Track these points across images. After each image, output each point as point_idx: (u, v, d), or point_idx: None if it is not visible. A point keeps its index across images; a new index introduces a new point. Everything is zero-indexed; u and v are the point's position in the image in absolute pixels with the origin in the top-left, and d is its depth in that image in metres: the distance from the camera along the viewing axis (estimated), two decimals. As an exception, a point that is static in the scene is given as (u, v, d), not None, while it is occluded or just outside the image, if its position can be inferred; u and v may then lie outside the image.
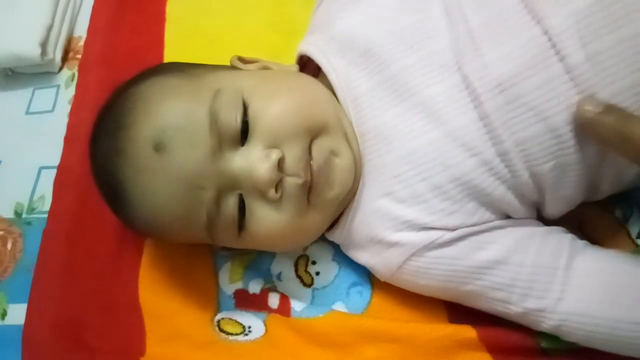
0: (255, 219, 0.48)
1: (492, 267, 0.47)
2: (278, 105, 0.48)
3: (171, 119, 0.47)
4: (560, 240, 0.47)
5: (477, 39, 0.45)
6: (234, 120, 0.47)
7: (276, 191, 0.47)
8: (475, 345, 0.48)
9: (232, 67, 0.57)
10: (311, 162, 0.48)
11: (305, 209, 0.49)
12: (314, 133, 0.48)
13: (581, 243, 0.48)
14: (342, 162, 0.49)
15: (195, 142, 0.46)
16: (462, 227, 0.47)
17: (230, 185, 0.48)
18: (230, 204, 0.48)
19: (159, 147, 0.46)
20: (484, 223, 0.47)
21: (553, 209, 0.49)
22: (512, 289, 0.46)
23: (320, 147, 0.48)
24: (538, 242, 0.47)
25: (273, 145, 0.47)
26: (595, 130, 0.42)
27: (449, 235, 0.47)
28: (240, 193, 0.48)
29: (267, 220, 0.48)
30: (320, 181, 0.48)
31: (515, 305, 0.46)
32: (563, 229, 0.49)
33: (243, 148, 0.48)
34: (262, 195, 0.47)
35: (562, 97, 0.43)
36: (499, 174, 0.46)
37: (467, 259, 0.47)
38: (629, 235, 0.53)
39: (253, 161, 0.46)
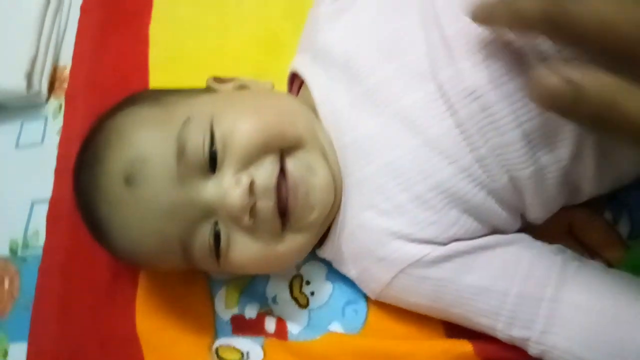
0: (232, 246, 0.49)
1: (477, 292, 0.46)
2: (244, 126, 0.48)
3: (139, 151, 0.47)
4: (550, 266, 0.46)
5: (451, 47, 0.45)
6: (201, 148, 0.47)
7: (250, 217, 0.46)
8: (471, 359, 0.48)
9: (209, 90, 0.57)
10: (287, 178, 0.48)
11: (280, 233, 0.49)
12: (285, 149, 0.48)
13: (573, 267, 0.46)
14: (320, 181, 0.49)
15: (162, 173, 0.46)
16: (450, 242, 0.47)
17: (204, 213, 0.48)
18: (206, 232, 0.48)
19: (129, 181, 0.47)
20: (469, 238, 0.47)
21: (536, 213, 0.48)
22: (497, 317, 0.46)
23: (295, 161, 0.48)
24: (525, 268, 0.46)
25: (243, 168, 0.47)
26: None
27: (435, 253, 0.47)
28: (216, 221, 0.48)
29: (244, 247, 0.48)
30: (297, 203, 0.48)
31: (500, 332, 0.46)
32: (556, 248, 0.48)
33: (215, 175, 0.48)
34: (237, 222, 0.47)
35: (533, 104, 0.42)
36: (478, 180, 0.45)
37: (453, 281, 0.47)
38: (619, 237, 0.52)
39: (225, 189, 0.46)
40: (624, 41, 0.31)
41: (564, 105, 0.33)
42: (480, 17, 0.38)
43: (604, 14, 0.31)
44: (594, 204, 0.52)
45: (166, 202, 0.47)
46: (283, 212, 0.48)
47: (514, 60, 0.43)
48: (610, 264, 0.51)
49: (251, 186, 0.46)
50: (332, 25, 0.54)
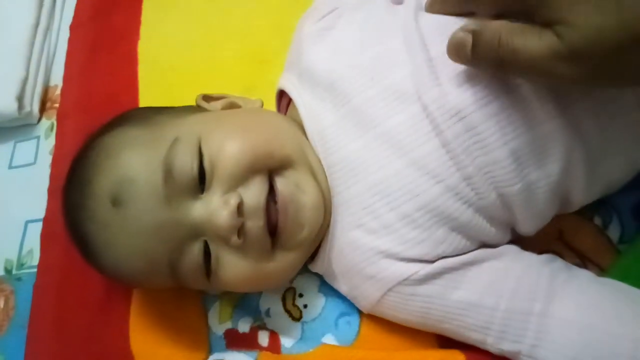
0: (221, 265, 0.49)
1: (466, 308, 0.46)
2: (232, 147, 0.48)
3: (126, 172, 0.47)
4: (538, 278, 0.46)
5: (435, 68, 0.45)
6: (189, 169, 0.47)
7: (239, 237, 0.47)
8: (464, 370, 0.48)
9: (198, 108, 0.58)
10: (276, 197, 0.48)
11: (270, 252, 0.49)
12: (274, 168, 0.48)
13: (561, 279, 0.46)
14: (310, 200, 0.49)
15: (148, 194, 0.46)
16: (438, 259, 0.47)
17: (192, 233, 0.48)
18: (195, 252, 0.48)
19: (115, 202, 0.47)
20: (458, 254, 0.47)
21: (526, 226, 0.48)
22: (487, 331, 0.46)
23: (284, 180, 0.48)
24: (513, 283, 0.46)
25: (231, 188, 0.47)
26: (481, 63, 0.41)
27: (424, 271, 0.47)
28: (205, 240, 0.48)
29: (234, 266, 0.48)
30: (287, 222, 0.48)
31: (491, 346, 0.46)
32: (545, 259, 0.48)
33: (203, 195, 0.48)
34: (226, 242, 0.47)
35: (519, 122, 0.43)
36: (465, 198, 0.46)
37: (441, 298, 0.47)
38: (609, 241, 0.52)
39: (213, 209, 0.46)
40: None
41: (467, 53, 0.40)
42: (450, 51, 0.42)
43: None
44: (584, 210, 0.52)
45: (153, 223, 0.47)
46: (273, 230, 0.48)
47: (498, 79, 0.43)
48: (601, 269, 0.51)
49: (240, 206, 0.46)
50: (317, 45, 0.54)
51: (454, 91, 0.44)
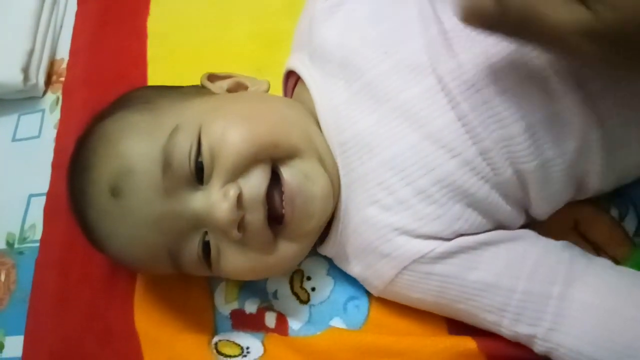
0: (222, 257, 0.48)
1: (483, 289, 0.46)
2: (233, 137, 0.46)
3: (124, 163, 0.46)
4: (557, 263, 0.45)
5: (450, 40, 0.45)
6: (187, 159, 0.46)
7: (239, 230, 0.45)
8: (475, 356, 0.48)
9: (202, 89, 0.56)
10: (283, 187, 0.47)
11: (273, 243, 0.48)
12: (279, 158, 0.47)
13: (581, 265, 0.45)
14: (319, 190, 0.48)
15: (146, 186, 0.46)
16: (455, 237, 0.46)
17: (192, 225, 0.47)
18: (195, 243, 0.48)
19: (114, 192, 0.46)
20: (474, 233, 0.47)
21: (540, 208, 0.48)
22: (503, 313, 0.45)
23: (292, 170, 0.47)
24: (532, 265, 0.45)
25: (231, 179, 0.46)
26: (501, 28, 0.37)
27: (441, 248, 0.46)
28: (205, 231, 0.47)
29: (234, 259, 0.48)
30: (294, 214, 0.47)
31: (506, 329, 0.46)
32: (564, 244, 0.47)
33: (203, 187, 0.47)
34: (226, 235, 0.46)
35: (535, 97, 0.43)
36: (482, 173, 0.45)
37: (458, 277, 0.47)
38: (625, 233, 0.52)
39: (212, 202, 0.45)
40: None
41: (489, 13, 0.35)
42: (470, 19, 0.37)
43: None
44: (600, 201, 0.51)
45: (152, 214, 0.46)
46: (279, 220, 0.47)
47: (517, 50, 0.42)
48: (616, 261, 0.50)
49: (239, 198, 0.45)
50: (328, 22, 0.53)
51: (469, 63, 0.44)
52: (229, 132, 0.46)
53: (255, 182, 0.46)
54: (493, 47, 0.43)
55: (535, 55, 0.42)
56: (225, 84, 0.57)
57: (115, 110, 0.51)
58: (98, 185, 0.47)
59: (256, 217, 0.46)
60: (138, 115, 0.49)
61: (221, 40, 0.76)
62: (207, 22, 0.78)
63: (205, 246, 0.48)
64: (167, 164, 0.45)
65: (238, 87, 0.57)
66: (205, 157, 0.46)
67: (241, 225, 0.46)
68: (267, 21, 0.75)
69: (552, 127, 0.43)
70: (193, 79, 0.59)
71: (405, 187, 0.47)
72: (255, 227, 0.46)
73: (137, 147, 0.47)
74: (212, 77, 0.57)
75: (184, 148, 0.46)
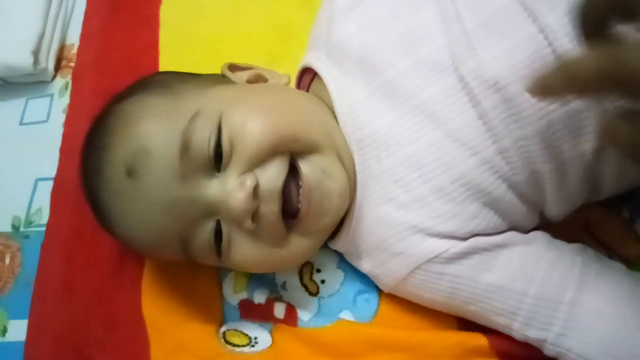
0: (233, 247, 0.48)
1: (495, 291, 0.46)
2: (253, 127, 0.46)
3: (142, 143, 0.46)
4: (570, 267, 0.45)
5: (472, 38, 0.45)
6: (206, 145, 0.46)
7: (252, 221, 0.45)
8: (486, 353, 0.48)
9: (223, 78, 0.56)
10: (300, 182, 0.46)
11: (285, 237, 0.48)
12: (298, 152, 0.47)
13: (593, 270, 0.45)
14: (336, 186, 0.47)
15: (164, 168, 0.45)
16: (471, 237, 0.46)
17: (206, 212, 0.47)
18: (207, 230, 0.47)
19: (130, 173, 0.46)
20: (489, 233, 0.47)
21: (554, 209, 0.48)
22: (514, 317, 0.45)
23: (310, 165, 0.47)
24: (544, 269, 0.45)
25: (249, 169, 0.46)
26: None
27: (455, 249, 0.46)
28: (218, 219, 0.47)
29: (245, 250, 0.48)
30: (310, 209, 0.46)
31: (516, 332, 0.46)
32: (577, 248, 0.47)
33: (220, 174, 0.46)
34: (239, 225, 0.46)
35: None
36: (500, 172, 0.45)
37: (470, 279, 0.47)
38: (636, 235, 0.52)
39: (228, 190, 0.45)
40: None
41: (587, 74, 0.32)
42: (538, 90, 0.35)
43: None
44: (611, 202, 0.52)
45: (166, 198, 0.46)
46: (293, 214, 0.47)
47: (537, 51, 0.43)
48: (626, 262, 0.50)
49: (255, 189, 0.45)
50: (347, 20, 0.53)
51: (491, 62, 0.44)
52: (250, 122, 0.46)
53: (273, 174, 0.46)
54: (515, 46, 0.43)
55: (553, 58, 0.42)
56: (245, 75, 0.56)
57: (135, 92, 0.51)
58: (114, 165, 0.47)
59: (271, 209, 0.45)
60: (158, 98, 0.49)
61: (234, 30, 0.76)
62: (220, 11, 0.78)
63: (217, 234, 0.47)
64: (185, 148, 0.45)
65: (258, 79, 0.57)
66: (225, 145, 0.46)
67: (255, 216, 0.45)
68: (281, 12, 0.75)
69: (570, 127, 0.43)
70: (205, 67, 0.59)
71: (423, 184, 0.47)
72: (269, 219, 0.46)
73: (156, 129, 0.46)
74: (232, 67, 0.57)
75: (203, 134, 0.46)
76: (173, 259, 0.52)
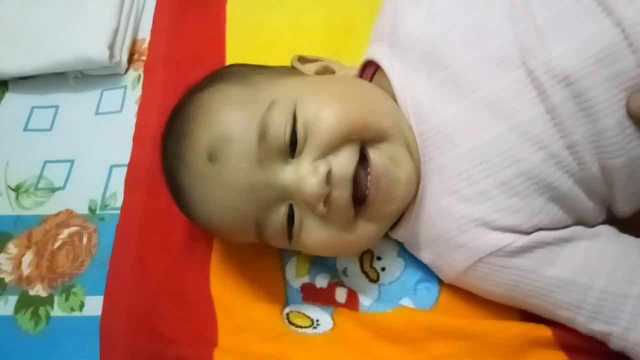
0: (304, 230, 0.50)
1: (559, 285, 0.46)
2: (327, 115, 0.48)
3: (223, 130, 0.48)
4: (637, 263, 0.45)
5: (543, 33, 0.45)
6: (282, 133, 0.47)
7: (324, 205, 0.47)
8: (550, 345, 0.48)
9: (293, 70, 0.58)
10: (369, 169, 0.48)
11: (353, 222, 0.49)
12: (368, 140, 0.48)
13: None
14: (404, 174, 0.49)
15: (242, 154, 0.47)
16: (535, 231, 0.47)
17: (280, 196, 0.49)
18: (280, 213, 0.49)
19: (212, 157, 0.48)
20: (554, 227, 0.47)
21: (624, 206, 0.47)
22: (579, 310, 0.45)
23: (379, 153, 0.48)
24: (610, 264, 0.45)
25: (322, 156, 0.47)
26: None
27: (518, 242, 0.47)
28: (291, 204, 0.49)
29: (315, 233, 0.49)
30: (378, 195, 0.48)
31: (580, 325, 0.46)
32: None
33: (294, 160, 0.48)
34: (311, 209, 0.48)
35: (630, 90, 0.42)
36: (567, 167, 0.45)
37: (534, 272, 0.47)
38: None
39: (302, 175, 0.47)
40: None
41: None
42: None
43: None
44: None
45: (245, 182, 0.48)
46: (362, 201, 0.48)
47: (611, 45, 0.42)
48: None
49: (328, 175, 0.46)
50: (412, 12, 0.54)
51: (562, 56, 0.44)
52: (324, 111, 0.48)
53: (345, 161, 0.47)
54: (588, 41, 0.43)
55: (629, 52, 0.42)
56: (314, 66, 0.58)
57: (213, 82, 0.53)
58: (196, 150, 0.49)
59: (342, 194, 0.47)
60: (236, 88, 0.51)
61: (298, 25, 0.78)
62: (284, 6, 0.80)
63: (290, 218, 0.49)
64: (262, 135, 0.47)
65: (325, 71, 0.59)
66: (300, 132, 0.48)
67: (326, 201, 0.47)
68: (343, 6, 0.77)
69: None
70: (270, 61, 0.61)
71: (487, 178, 0.47)
72: (341, 204, 0.47)
73: (236, 116, 0.49)
74: (302, 59, 0.59)
75: (279, 121, 0.48)
76: (246, 240, 0.54)
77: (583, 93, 0.43)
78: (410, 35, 0.53)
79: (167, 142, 0.54)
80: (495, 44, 0.47)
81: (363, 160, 0.48)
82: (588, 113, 0.43)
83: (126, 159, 0.72)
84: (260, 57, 0.65)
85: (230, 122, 0.49)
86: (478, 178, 0.47)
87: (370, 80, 0.59)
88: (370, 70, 0.59)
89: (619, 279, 0.45)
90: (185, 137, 0.51)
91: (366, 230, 0.50)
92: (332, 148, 0.47)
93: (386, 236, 0.57)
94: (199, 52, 0.80)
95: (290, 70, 0.58)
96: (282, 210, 0.49)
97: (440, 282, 0.55)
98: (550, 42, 0.44)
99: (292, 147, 0.48)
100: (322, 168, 0.46)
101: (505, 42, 0.46)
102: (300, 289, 0.59)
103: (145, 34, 0.86)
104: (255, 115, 0.48)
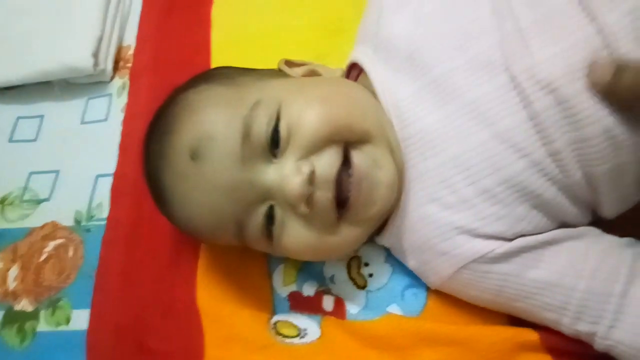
0: (285, 231, 0.49)
1: (543, 287, 0.45)
2: (311, 115, 0.47)
3: (207, 129, 0.48)
4: (619, 261, 0.44)
5: (526, 37, 0.44)
6: (265, 132, 0.47)
7: (306, 206, 0.46)
8: (537, 348, 0.47)
9: (279, 72, 0.58)
10: (351, 171, 0.47)
11: (335, 225, 0.48)
12: (351, 141, 0.48)
13: None
14: (385, 177, 0.48)
15: (226, 153, 0.47)
16: (517, 237, 0.46)
17: (262, 196, 0.48)
18: (261, 214, 0.48)
19: (194, 156, 0.47)
20: (537, 233, 0.46)
21: (609, 209, 0.47)
22: (564, 311, 0.45)
23: (362, 155, 0.48)
24: (593, 263, 0.45)
25: (305, 156, 0.47)
26: (615, 97, 0.41)
27: (501, 249, 0.46)
28: (272, 204, 0.48)
29: (296, 234, 0.49)
30: (360, 198, 0.47)
31: (566, 327, 0.45)
32: (628, 242, 0.46)
33: (277, 160, 0.48)
34: (293, 209, 0.47)
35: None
36: (550, 175, 0.44)
37: (518, 277, 0.46)
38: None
39: (285, 175, 0.46)
40: None
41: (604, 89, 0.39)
42: (603, 89, 0.41)
43: None
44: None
45: (227, 181, 0.47)
46: (343, 203, 0.48)
47: (594, 52, 0.42)
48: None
49: (311, 175, 0.46)
50: (397, 15, 0.53)
51: (545, 62, 0.43)
52: (308, 111, 0.47)
53: (328, 162, 0.47)
54: (571, 47, 0.42)
55: (621, 53, 0.41)
56: (300, 70, 0.58)
57: (199, 83, 0.53)
58: (178, 149, 0.49)
59: (325, 195, 0.46)
60: (222, 88, 0.51)
61: (284, 28, 0.77)
62: (271, 10, 0.80)
63: (270, 218, 0.49)
64: (246, 135, 0.47)
65: (312, 75, 0.58)
66: (283, 132, 0.47)
67: (309, 201, 0.46)
68: (330, 9, 0.76)
69: (628, 129, 0.42)
70: (256, 65, 0.60)
71: (469, 186, 0.46)
72: (323, 205, 0.47)
73: (220, 115, 0.48)
74: (289, 63, 0.59)
75: (263, 121, 0.47)
76: (227, 242, 0.53)
77: (567, 100, 0.42)
78: (394, 38, 0.52)
79: (149, 142, 0.54)
80: (479, 48, 0.46)
81: (346, 162, 0.48)
82: (572, 120, 0.43)
83: (112, 169, 0.72)
84: (246, 61, 0.65)
85: (213, 120, 0.48)
86: (460, 186, 0.47)
87: (355, 82, 0.59)
88: (355, 72, 0.58)
89: (602, 279, 0.44)
90: (168, 136, 0.50)
91: (348, 234, 0.50)
92: (315, 149, 0.47)
93: (374, 242, 0.57)
94: (185, 58, 0.79)
95: (277, 73, 0.58)
96: (263, 211, 0.49)
97: (427, 287, 0.55)
98: (533, 47, 0.44)
99: (276, 147, 0.48)
100: (306, 168, 0.46)
101: (489, 46, 0.46)
102: (287, 298, 0.59)
103: (130, 40, 0.85)
104: (240, 114, 0.48)
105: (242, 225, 0.49)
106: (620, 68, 0.39)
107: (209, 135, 0.47)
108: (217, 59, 0.77)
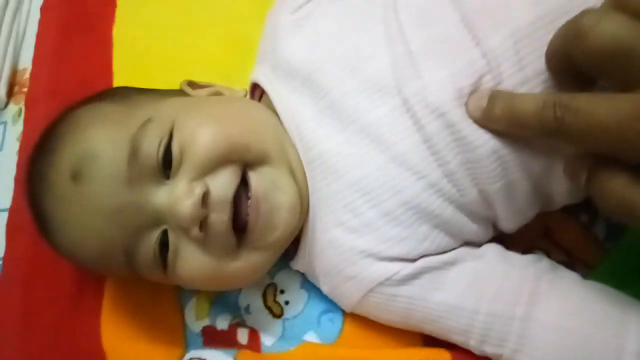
0: (179, 258, 0.46)
1: (447, 310, 0.45)
2: (205, 133, 0.45)
3: (89, 147, 0.45)
4: (521, 281, 0.45)
5: (416, 60, 0.44)
6: (155, 151, 0.45)
7: (200, 229, 0.44)
8: (450, 369, 0.47)
9: (181, 92, 0.56)
10: (249, 193, 0.46)
11: (235, 250, 0.47)
12: (250, 163, 0.46)
13: (545, 282, 0.45)
14: (285, 199, 0.47)
15: (109, 173, 0.44)
16: (420, 257, 0.46)
17: (152, 221, 0.46)
18: (152, 240, 0.46)
19: (75, 176, 0.45)
20: (441, 252, 0.46)
21: (507, 223, 0.47)
22: (469, 334, 0.45)
23: (260, 176, 0.46)
24: (495, 285, 0.45)
25: (198, 177, 0.45)
26: (490, 126, 0.42)
27: (405, 270, 0.46)
28: (165, 229, 0.46)
29: (192, 261, 0.46)
30: (259, 221, 0.46)
31: (474, 348, 0.46)
32: (530, 260, 0.47)
33: (169, 182, 0.46)
34: (186, 233, 0.45)
35: None
36: (447, 195, 0.45)
37: (423, 299, 0.46)
38: (596, 239, 0.52)
39: (176, 197, 0.44)
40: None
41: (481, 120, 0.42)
42: (480, 118, 0.42)
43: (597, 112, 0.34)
44: (570, 207, 0.51)
45: (111, 204, 0.45)
46: (243, 228, 0.46)
47: (478, 79, 0.42)
48: (588, 266, 0.50)
49: (205, 197, 0.44)
50: (292, 37, 0.52)
51: (435, 85, 0.43)
52: (202, 130, 0.45)
53: (224, 183, 0.45)
54: (458, 72, 0.42)
55: (501, 79, 0.42)
56: (204, 92, 0.56)
57: (90, 101, 0.50)
58: (59, 169, 0.46)
59: (220, 218, 0.44)
60: (112, 106, 0.49)
61: (190, 47, 0.74)
62: (175, 29, 0.76)
63: (163, 245, 0.46)
64: (133, 154, 0.44)
65: (216, 95, 0.56)
66: (175, 151, 0.45)
67: (204, 225, 0.44)
68: (238, 27, 0.74)
69: (517, 149, 0.42)
70: (161, 86, 0.58)
71: (371, 209, 0.46)
72: (219, 229, 0.45)
73: (105, 133, 0.46)
74: (192, 84, 0.57)
75: (153, 139, 0.45)
76: (118, 274, 0.50)
77: (454, 124, 0.43)
78: (291, 60, 0.51)
79: (31, 163, 0.50)
80: (373, 70, 0.46)
81: (246, 185, 0.46)
82: (462, 143, 0.43)
83: (7, 203, 0.67)
84: (150, 82, 0.62)
85: (97, 139, 0.46)
86: (363, 209, 0.46)
87: (259, 101, 0.57)
88: (259, 92, 0.57)
89: (504, 301, 0.44)
90: (49, 155, 0.47)
91: (249, 260, 0.48)
92: (209, 169, 0.45)
93: (289, 268, 0.55)
94: (85, 80, 0.75)
95: (177, 92, 0.56)
96: (155, 236, 0.46)
97: (343, 312, 0.54)
98: (423, 71, 0.43)
99: (168, 168, 0.45)
100: (198, 189, 0.43)
101: (382, 69, 0.45)
102: (200, 333, 0.56)
103: (26, 63, 0.80)
104: (127, 132, 0.45)
105: (132, 252, 0.46)
106: (492, 97, 0.40)
107: (91, 154, 0.45)
108: (120, 82, 0.73)
